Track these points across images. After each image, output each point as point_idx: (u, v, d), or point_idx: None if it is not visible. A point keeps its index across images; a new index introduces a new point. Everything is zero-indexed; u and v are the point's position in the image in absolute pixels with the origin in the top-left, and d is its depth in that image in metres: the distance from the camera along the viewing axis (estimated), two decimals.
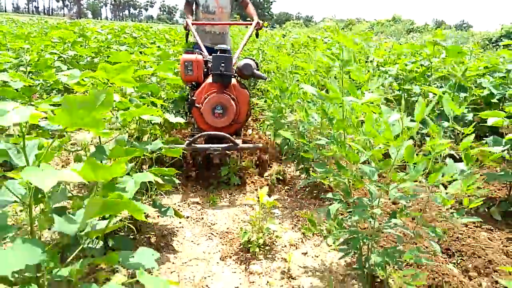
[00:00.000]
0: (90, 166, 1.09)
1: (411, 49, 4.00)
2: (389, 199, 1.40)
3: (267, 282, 1.79)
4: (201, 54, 2.95)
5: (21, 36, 4.49)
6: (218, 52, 2.83)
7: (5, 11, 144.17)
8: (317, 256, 2.02)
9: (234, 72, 2.88)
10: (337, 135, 1.51)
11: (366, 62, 4.00)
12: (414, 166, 1.29)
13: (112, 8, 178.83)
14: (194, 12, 3.89)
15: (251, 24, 3.48)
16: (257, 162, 3.03)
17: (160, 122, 2.53)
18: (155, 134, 2.45)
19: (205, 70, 2.91)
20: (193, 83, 2.94)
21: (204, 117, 2.76)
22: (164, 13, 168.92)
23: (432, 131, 1.38)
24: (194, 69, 2.80)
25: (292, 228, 2.32)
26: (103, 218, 1.47)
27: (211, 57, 2.85)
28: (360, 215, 1.33)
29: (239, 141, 2.74)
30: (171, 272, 1.86)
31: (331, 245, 2.10)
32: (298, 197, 2.77)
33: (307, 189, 2.82)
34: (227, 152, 2.80)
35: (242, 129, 3.33)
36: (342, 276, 1.85)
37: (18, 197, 1.23)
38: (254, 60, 3.01)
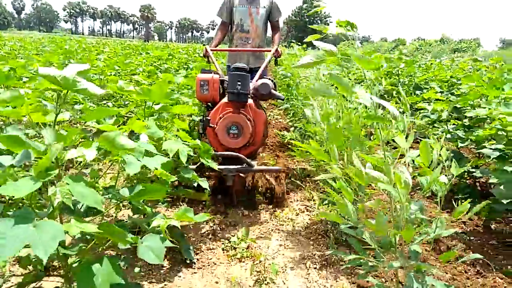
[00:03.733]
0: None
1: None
2: None
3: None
4: (217, 73, 2.91)
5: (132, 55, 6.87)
6: (235, 71, 2.74)
7: (83, 34, 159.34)
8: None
9: (250, 91, 2.81)
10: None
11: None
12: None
13: (176, 31, 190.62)
14: (230, 32, 3.97)
15: (270, 51, 3.53)
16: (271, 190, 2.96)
17: None
18: None
19: (221, 90, 2.94)
20: (209, 103, 2.93)
21: (218, 138, 2.68)
22: None
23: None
24: (210, 88, 2.79)
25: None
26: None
27: (227, 77, 2.81)
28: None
29: (254, 163, 2.68)
30: None
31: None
32: None
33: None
34: (241, 174, 2.73)
35: (258, 152, 3.26)
36: None
37: None
38: (271, 80, 2.92)
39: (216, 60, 3.47)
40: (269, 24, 3.95)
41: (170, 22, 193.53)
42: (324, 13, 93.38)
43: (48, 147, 1.18)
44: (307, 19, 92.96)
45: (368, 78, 1.48)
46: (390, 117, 1.34)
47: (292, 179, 3.32)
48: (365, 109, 2.40)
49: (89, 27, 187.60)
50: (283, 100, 2.97)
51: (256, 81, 2.89)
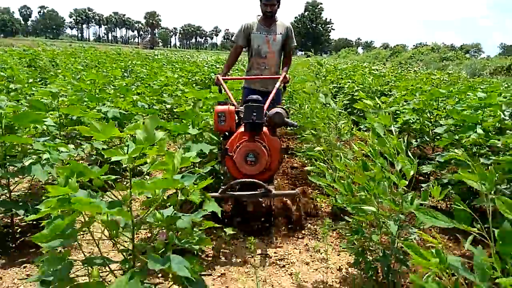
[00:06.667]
0: None
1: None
2: None
3: None
4: (233, 105, 3.09)
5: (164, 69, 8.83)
6: (250, 103, 2.91)
7: (88, 40, 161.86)
8: None
9: (265, 120, 2.96)
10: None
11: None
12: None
13: (180, 37, 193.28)
14: (248, 55, 4.18)
15: (279, 77, 3.68)
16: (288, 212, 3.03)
17: None
18: None
19: (237, 120, 3.09)
20: (226, 133, 3.07)
21: (236, 165, 2.85)
22: (228, 40, 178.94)
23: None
24: (227, 119, 2.94)
25: None
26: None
27: (242, 108, 3.03)
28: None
29: (271, 188, 2.81)
30: None
31: None
32: None
33: None
34: (260, 199, 2.90)
35: (274, 176, 3.49)
36: None
37: None
38: (284, 109, 3.09)
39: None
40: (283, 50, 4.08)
41: (174, 28, 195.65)
42: (326, 19, 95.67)
43: (195, 120, 3.11)
44: (309, 26, 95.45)
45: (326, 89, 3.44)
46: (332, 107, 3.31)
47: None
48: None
49: (94, 34, 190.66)
50: (296, 127, 3.36)
51: (267, 108, 3.14)
